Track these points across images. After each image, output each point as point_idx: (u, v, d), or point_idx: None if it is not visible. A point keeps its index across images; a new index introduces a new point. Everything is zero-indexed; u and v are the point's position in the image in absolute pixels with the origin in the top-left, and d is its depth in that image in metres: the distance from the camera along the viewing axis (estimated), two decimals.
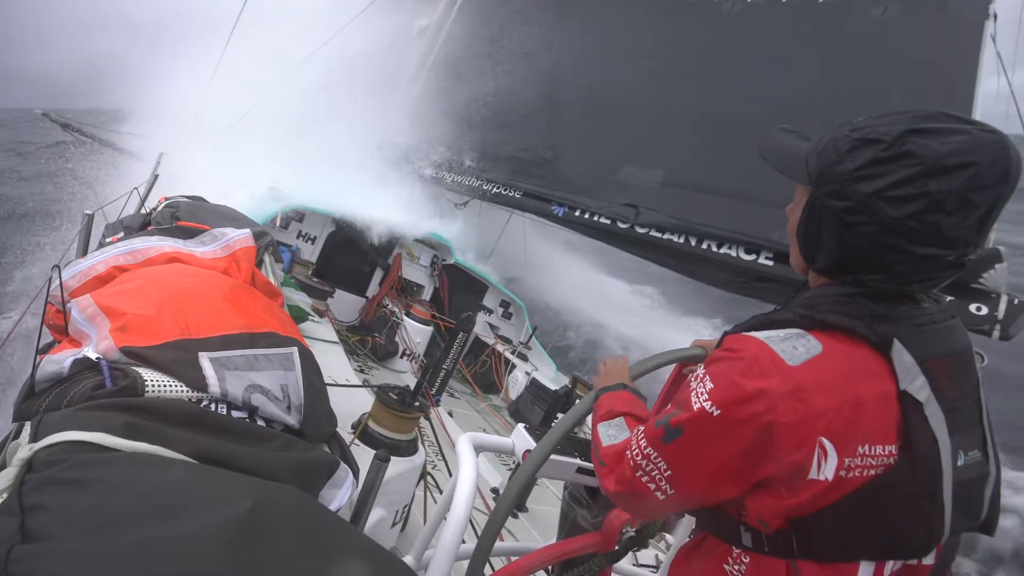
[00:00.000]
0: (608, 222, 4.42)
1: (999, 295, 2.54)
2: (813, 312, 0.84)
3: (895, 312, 0.83)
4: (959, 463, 0.83)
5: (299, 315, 2.92)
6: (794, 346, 0.80)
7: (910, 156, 0.77)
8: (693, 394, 0.83)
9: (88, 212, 2.17)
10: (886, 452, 0.79)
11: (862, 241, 0.81)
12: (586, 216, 4.48)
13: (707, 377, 0.83)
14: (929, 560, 0.85)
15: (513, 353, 4.78)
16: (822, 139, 0.88)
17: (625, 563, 1.86)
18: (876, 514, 0.79)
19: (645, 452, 0.87)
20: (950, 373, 0.83)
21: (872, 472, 0.78)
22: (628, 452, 0.90)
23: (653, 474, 0.86)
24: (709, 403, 0.80)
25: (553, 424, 1.22)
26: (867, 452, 0.78)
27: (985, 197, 0.76)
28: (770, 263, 3.71)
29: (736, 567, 0.87)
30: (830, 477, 0.78)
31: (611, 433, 1.01)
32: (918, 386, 0.80)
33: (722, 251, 4.02)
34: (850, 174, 0.81)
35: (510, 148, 4.98)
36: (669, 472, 0.85)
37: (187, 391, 1.17)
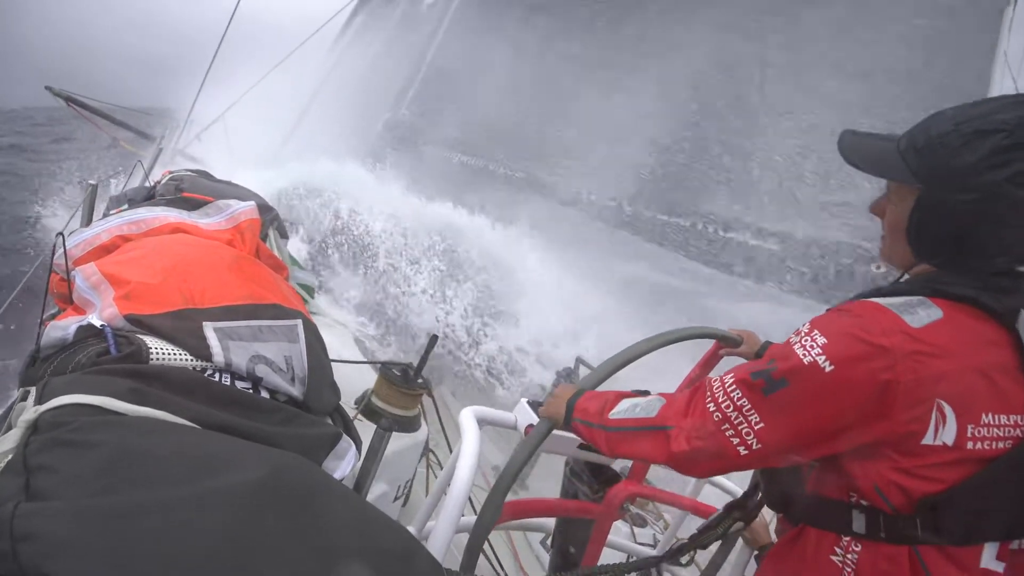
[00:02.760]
0: (613, 203, 4.39)
1: None
2: (935, 284, 0.84)
3: (1020, 285, 0.84)
4: None
5: (307, 292, 2.92)
6: (915, 310, 0.80)
7: None
8: (799, 347, 0.81)
9: (92, 182, 2.16)
10: (1012, 423, 0.79)
11: (997, 227, 0.81)
12: (593, 198, 4.44)
13: (817, 332, 0.81)
14: None
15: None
16: (914, 136, 0.88)
17: (624, 539, 1.88)
18: (1009, 490, 0.79)
19: (738, 404, 0.84)
20: None
21: (1001, 444, 0.78)
22: (708, 404, 0.86)
23: (740, 427, 0.83)
24: (823, 357, 0.78)
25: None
26: (992, 422, 0.78)
27: None
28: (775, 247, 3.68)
29: (848, 555, 0.83)
30: (950, 443, 0.77)
31: (640, 406, 0.97)
32: None
33: (729, 235, 3.99)
34: (972, 167, 0.80)
35: (516, 130, 4.95)
36: (761, 425, 0.82)
37: (191, 360, 1.17)
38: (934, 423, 0.77)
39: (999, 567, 0.80)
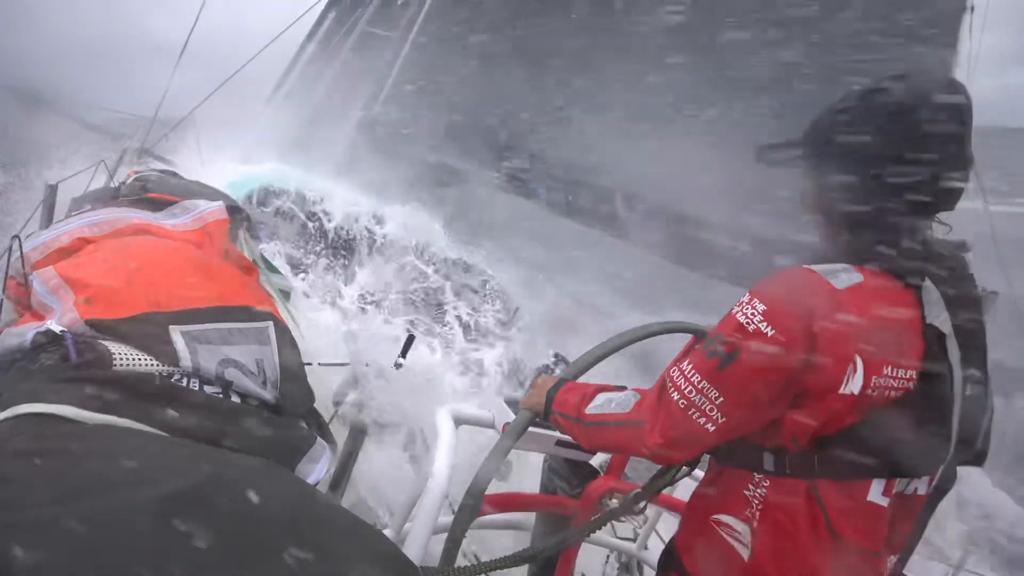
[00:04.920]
0: (589, 204, 4.43)
1: None
2: (857, 253, 0.95)
3: (927, 254, 0.93)
4: (967, 392, 0.91)
5: (282, 295, 2.87)
6: (838, 274, 0.89)
7: (878, 106, 0.92)
8: (741, 316, 0.89)
9: (51, 183, 2.07)
10: (907, 376, 0.88)
11: (870, 184, 0.92)
12: (570, 198, 4.48)
13: (756, 300, 0.89)
14: (923, 491, 0.95)
15: (497, 332, 4.79)
16: (805, 131, 1.03)
17: (605, 535, 1.89)
18: (893, 433, 0.87)
19: (699, 386, 0.90)
20: (968, 313, 0.92)
21: (893, 393, 0.88)
22: (673, 394, 0.92)
23: (704, 407, 0.89)
24: (765, 324, 0.87)
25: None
26: (890, 374, 0.87)
27: (952, 111, 0.90)
28: (748, 248, 3.75)
29: (758, 490, 0.93)
30: (856, 392, 0.85)
31: (615, 402, 1.02)
32: (942, 320, 0.89)
33: (704, 235, 4.05)
34: (836, 139, 0.95)
35: (491, 128, 4.97)
36: (721, 400, 0.88)
37: (157, 365, 1.13)
38: (848, 375, 0.85)
39: (884, 502, 0.91)
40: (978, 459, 0.98)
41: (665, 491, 1.61)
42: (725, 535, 0.96)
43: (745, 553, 0.93)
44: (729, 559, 0.95)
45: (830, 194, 0.99)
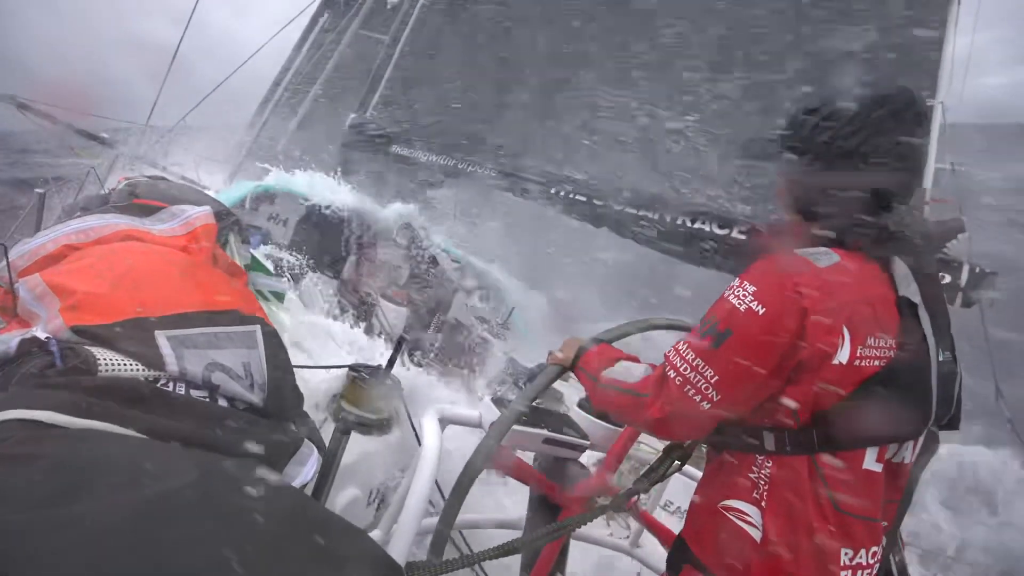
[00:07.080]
0: (584, 199, 4.44)
1: (961, 264, 2.65)
2: (828, 238, 1.01)
3: (893, 235, 1.00)
4: (940, 359, 0.98)
5: (276, 298, 2.86)
6: (819, 256, 0.96)
7: (845, 107, 1.00)
8: (733, 298, 0.95)
9: (39, 190, 2.07)
10: (888, 345, 0.94)
11: (837, 175, 1.00)
12: (562, 194, 4.48)
13: (747, 282, 0.95)
14: (908, 459, 1.01)
15: (491, 333, 4.79)
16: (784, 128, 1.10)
17: (598, 531, 1.89)
18: (882, 401, 0.93)
19: (693, 364, 0.95)
20: (931, 286, 1.00)
21: (877, 363, 0.93)
22: (670, 372, 0.97)
23: (700, 385, 0.94)
24: (756, 303, 0.92)
25: (516, 395, 1.23)
26: (874, 344, 0.93)
27: (907, 114, 0.99)
28: (743, 236, 3.75)
29: (762, 472, 0.98)
30: (845, 361, 0.91)
31: (630, 371, 1.07)
32: (912, 292, 0.97)
33: (695, 226, 4.06)
34: (807, 137, 1.03)
35: (484, 127, 4.99)
36: (716, 378, 0.93)
37: (143, 370, 1.14)
38: (838, 345, 0.91)
39: (878, 468, 0.97)
40: (953, 422, 1.03)
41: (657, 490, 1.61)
42: (735, 520, 0.99)
43: (757, 535, 0.96)
44: (742, 543, 0.98)
45: (802, 188, 1.07)
